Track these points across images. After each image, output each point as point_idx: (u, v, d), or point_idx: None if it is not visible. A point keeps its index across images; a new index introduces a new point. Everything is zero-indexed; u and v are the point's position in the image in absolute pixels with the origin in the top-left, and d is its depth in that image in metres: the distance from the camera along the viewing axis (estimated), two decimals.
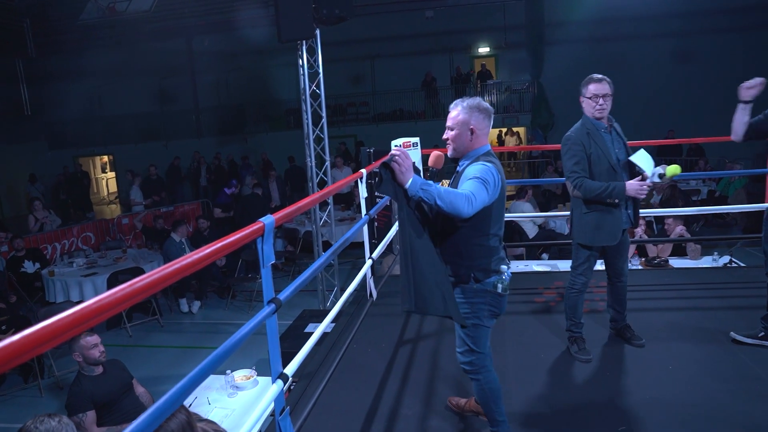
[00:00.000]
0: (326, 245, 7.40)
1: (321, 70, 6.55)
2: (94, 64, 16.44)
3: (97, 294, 7.17)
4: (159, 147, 17.31)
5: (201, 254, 1.60)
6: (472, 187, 2.13)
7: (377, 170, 2.32)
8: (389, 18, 16.11)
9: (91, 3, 13.03)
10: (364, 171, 3.55)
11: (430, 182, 2.13)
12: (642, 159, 3.15)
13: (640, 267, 5.80)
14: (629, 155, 3.22)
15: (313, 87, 6.60)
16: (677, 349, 3.43)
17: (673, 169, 3.05)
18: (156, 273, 1.38)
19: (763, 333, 3.31)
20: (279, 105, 17.51)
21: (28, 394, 5.87)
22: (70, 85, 17.68)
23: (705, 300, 4.28)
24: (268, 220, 1.93)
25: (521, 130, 17.53)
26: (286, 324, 5.54)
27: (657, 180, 3.08)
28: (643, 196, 3.15)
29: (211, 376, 3.86)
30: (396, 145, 4.68)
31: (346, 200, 10.70)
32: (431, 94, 17.14)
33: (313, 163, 6.74)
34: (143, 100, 17.99)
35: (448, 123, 2.41)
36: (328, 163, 6.88)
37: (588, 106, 3.20)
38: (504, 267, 2.39)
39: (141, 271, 7.31)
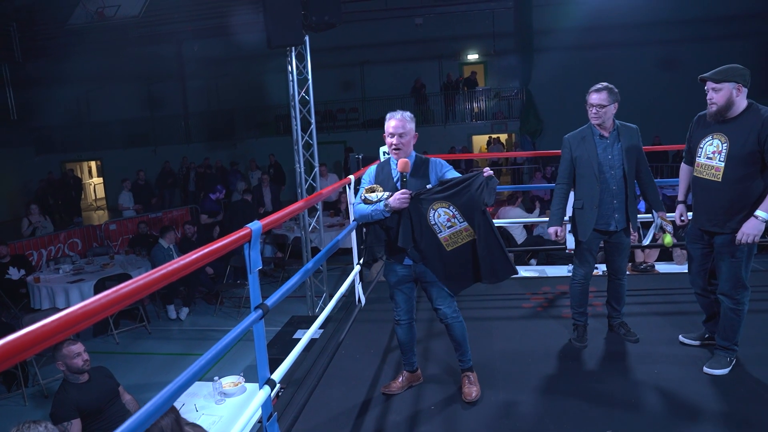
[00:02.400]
0: (315, 251, 7.39)
1: (310, 77, 6.56)
2: (82, 69, 16.34)
3: (83, 300, 7.09)
4: (148, 152, 17.23)
5: (187, 260, 1.60)
6: None
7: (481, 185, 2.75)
8: (378, 25, 16.19)
9: (79, 8, 12.92)
10: (352, 177, 3.56)
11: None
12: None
13: (627, 272, 5.84)
14: (628, 161, 3.41)
15: (303, 93, 6.62)
16: (663, 353, 3.46)
17: (669, 240, 3.50)
18: (141, 279, 1.38)
19: (708, 335, 3.47)
20: (269, 111, 17.50)
21: (12, 402, 5.79)
22: (58, 90, 17.55)
23: (692, 305, 4.31)
24: (255, 225, 1.94)
25: (503, 136, 17.64)
26: (274, 330, 5.53)
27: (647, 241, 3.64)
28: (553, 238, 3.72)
29: (199, 383, 3.84)
30: (385, 152, 4.73)
31: (335, 206, 10.71)
32: (420, 100, 17.20)
33: (302, 169, 6.74)
34: (132, 106, 17.91)
35: (399, 131, 2.82)
36: (317, 169, 6.88)
37: (589, 114, 3.45)
38: None
39: (128, 278, 7.23)
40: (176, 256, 7.68)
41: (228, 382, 3.85)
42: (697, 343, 3.49)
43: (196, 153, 16.42)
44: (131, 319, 7.47)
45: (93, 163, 20.41)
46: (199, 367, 1.59)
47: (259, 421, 2.60)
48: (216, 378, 3.79)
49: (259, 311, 1.99)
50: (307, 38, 6.28)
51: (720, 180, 2.98)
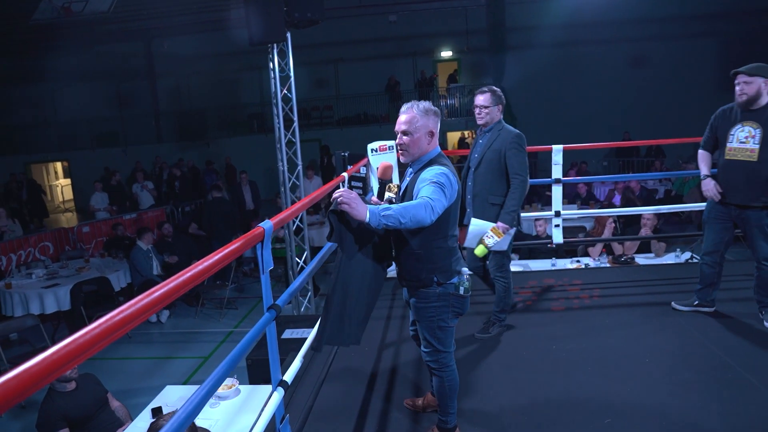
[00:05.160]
0: (298, 250, 7.33)
1: (292, 74, 6.51)
2: (47, 67, 15.87)
3: (59, 306, 6.84)
4: (118, 152, 16.83)
5: (208, 263, 1.57)
6: (430, 193, 2.12)
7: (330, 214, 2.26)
8: (353, 22, 16.14)
9: (44, 2, 12.45)
10: (345, 174, 3.55)
11: (387, 206, 2.07)
12: (477, 227, 3.44)
13: (608, 264, 5.98)
14: (484, 162, 3.54)
15: (285, 91, 6.56)
16: (651, 343, 3.56)
17: (480, 250, 3.38)
18: (170, 283, 1.35)
19: (697, 302, 3.92)
20: (242, 109, 17.28)
21: None
22: (21, 88, 17.01)
23: (672, 295, 4.42)
24: (267, 225, 1.91)
25: None
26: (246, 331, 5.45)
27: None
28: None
29: (192, 387, 3.78)
30: (372, 149, 4.69)
31: (314, 204, 10.66)
32: (395, 97, 17.22)
33: (285, 168, 6.68)
34: (100, 105, 17.46)
35: (403, 128, 2.36)
36: (300, 167, 6.82)
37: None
38: (465, 269, 2.41)
39: (106, 281, 7.08)
40: (155, 257, 7.54)
41: (222, 384, 3.79)
42: (688, 309, 3.91)
43: (167, 153, 16.12)
44: None
45: (59, 164, 19.84)
46: (223, 371, 1.57)
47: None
48: None
49: (273, 312, 1.97)
50: (288, 35, 6.22)
51: (756, 160, 3.41)
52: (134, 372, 6.21)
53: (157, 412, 3.45)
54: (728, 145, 3.54)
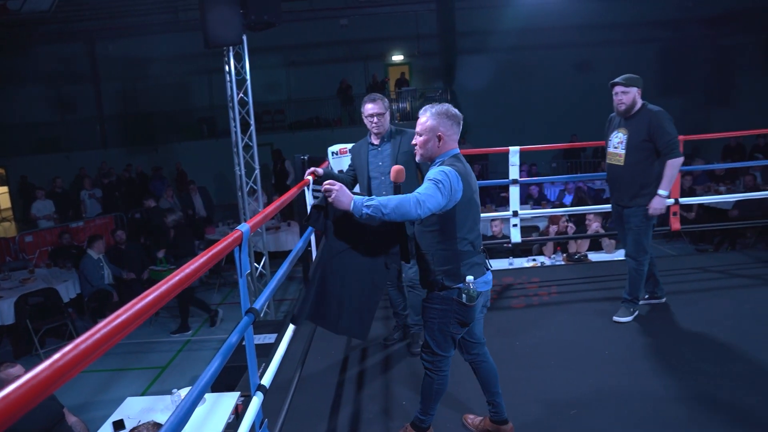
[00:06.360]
0: (257, 255, 7.24)
1: (248, 77, 6.42)
2: None
3: (2, 320, 6.50)
4: (60, 158, 16.09)
5: (187, 271, 1.53)
6: (423, 189, 2.16)
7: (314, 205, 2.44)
8: (304, 26, 16.06)
9: None
10: (310, 178, 3.54)
11: (371, 197, 2.15)
12: None
13: (563, 262, 6.17)
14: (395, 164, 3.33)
15: (241, 94, 6.46)
16: (609, 336, 3.71)
17: None
18: (150, 294, 1.30)
19: (647, 295, 4.13)
20: (191, 113, 16.86)
21: None
22: None
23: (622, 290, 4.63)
24: (245, 227, 1.90)
25: None
26: (220, 338, 5.36)
27: None
28: None
29: (155, 397, 3.68)
30: (333, 152, 4.72)
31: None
32: (347, 101, 17.22)
33: (243, 172, 6.57)
34: (40, 109, 16.63)
35: (417, 129, 2.41)
36: (257, 171, 6.73)
37: (367, 124, 3.41)
38: (470, 277, 2.30)
39: (54, 292, 6.78)
40: (106, 266, 7.28)
41: (184, 394, 3.70)
42: (630, 316, 3.95)
43: (114, 158, 15.52)
44: (58, 336, 6.97)
45: None
46: (209, 379, 1.54)
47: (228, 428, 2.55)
48: (174, 390, 3.64)
49: (251, 316, 1.95)
50: (245, 38, 6.14)
51: (623, 164, 3.70)
52: (89, 385, 5.96)
53: (118, 425, 3.34)
54: (607, 150, 3.85)
